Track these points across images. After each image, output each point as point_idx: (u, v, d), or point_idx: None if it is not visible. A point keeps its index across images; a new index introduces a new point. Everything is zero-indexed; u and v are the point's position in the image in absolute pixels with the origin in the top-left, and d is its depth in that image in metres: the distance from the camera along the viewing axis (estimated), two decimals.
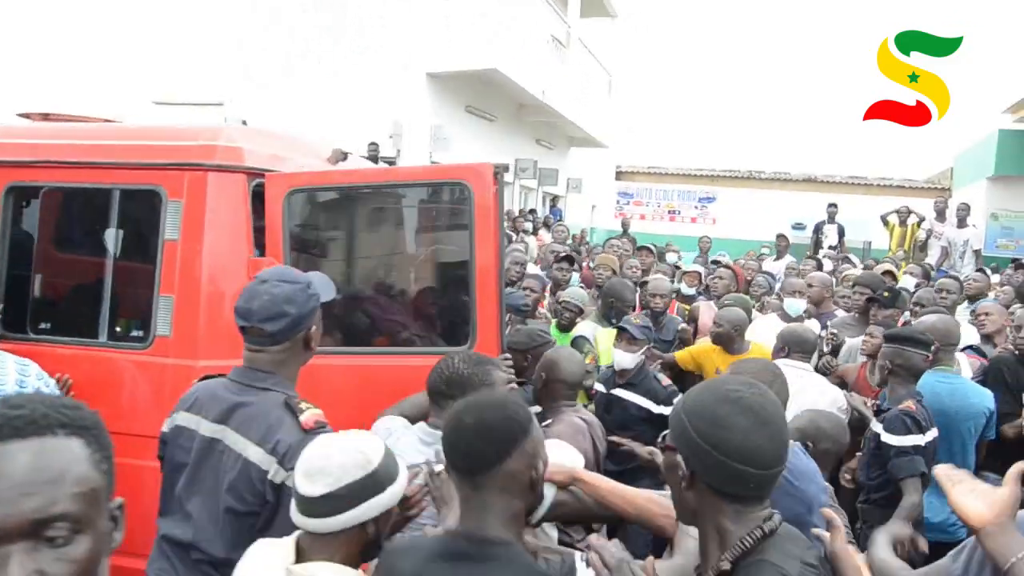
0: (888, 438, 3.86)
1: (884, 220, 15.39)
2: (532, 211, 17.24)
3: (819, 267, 9.29)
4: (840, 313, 6.41)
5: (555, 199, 22.52)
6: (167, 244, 3.37)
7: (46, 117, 4.37)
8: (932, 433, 3.90)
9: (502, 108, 17.03)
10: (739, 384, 1.70)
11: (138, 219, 3.52)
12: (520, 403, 1.88)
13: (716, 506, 1.65)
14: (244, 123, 4.53)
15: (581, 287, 6.84)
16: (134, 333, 3.47)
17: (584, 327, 5.60)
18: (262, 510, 2.25)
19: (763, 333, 5.54)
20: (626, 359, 4.61)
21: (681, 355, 5.78)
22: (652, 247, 10.37)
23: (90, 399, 3.49)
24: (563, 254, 8.06)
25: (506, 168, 3.48)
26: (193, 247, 3.35)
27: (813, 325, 5.75)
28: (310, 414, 2.30)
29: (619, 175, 29.22)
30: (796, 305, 6.16)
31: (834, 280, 7.78)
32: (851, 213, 18.12)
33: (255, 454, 2.25)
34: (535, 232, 14.52)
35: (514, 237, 12.63)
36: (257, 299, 2.35)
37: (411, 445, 2.84)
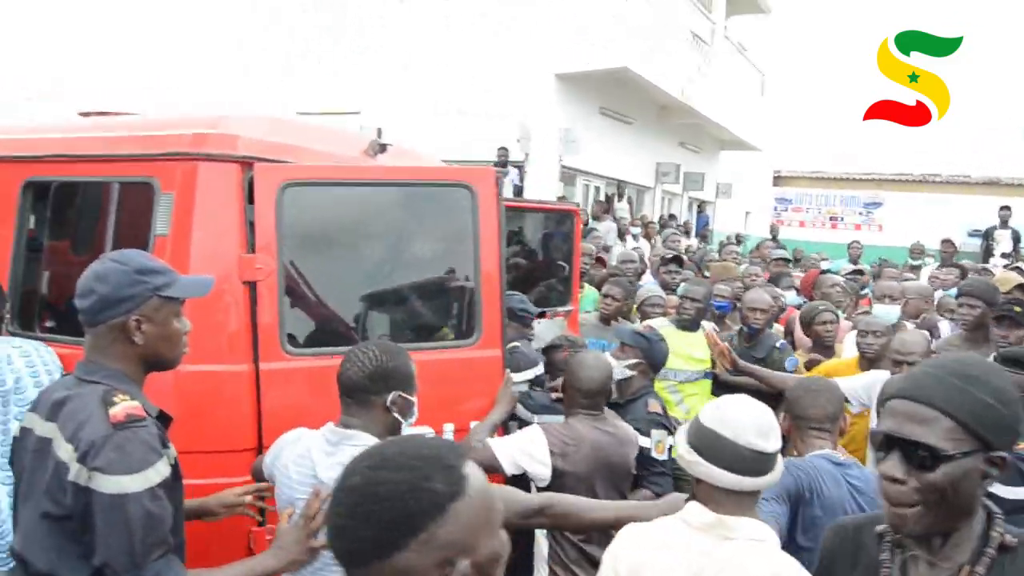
0: (1000, 489, 3.06)
1: None
2: (672, 216, 16.54)
3: (963, 275, 8.22)
4: (945, 328, 5.49)
5: (702, 205, 21.62)
6: (157, 240, 3.16)
7: (103, 116, 4.33)
8: None
9: (640, 110, 16.45)
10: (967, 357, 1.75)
11: (137, 214, 3.34)
12: (451, 464, 1.18)
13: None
14: (379, 131, 4.33)
15: None
16: None
17: (655, 323, 5.22)
18: (73, 514, 1.98)
19: (850, 346, 4.83)
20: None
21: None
22: (788, 256, 9.62)
23: None
24: (671, 256, 7.56)
25: (506, 173, 3.68)
26: (181, 243, 3.12)
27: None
28: (122, 407, 2.00)
29: (777, 180, 27.87)
30: (887, 312, 5.33)
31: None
32: None
33: (64, 452, 1.99)
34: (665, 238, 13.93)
35: (628, 240, 12.09)
36: (83, 274, 2.16)
37: (318, 447, 2.52)
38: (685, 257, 8.13)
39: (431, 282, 3.66)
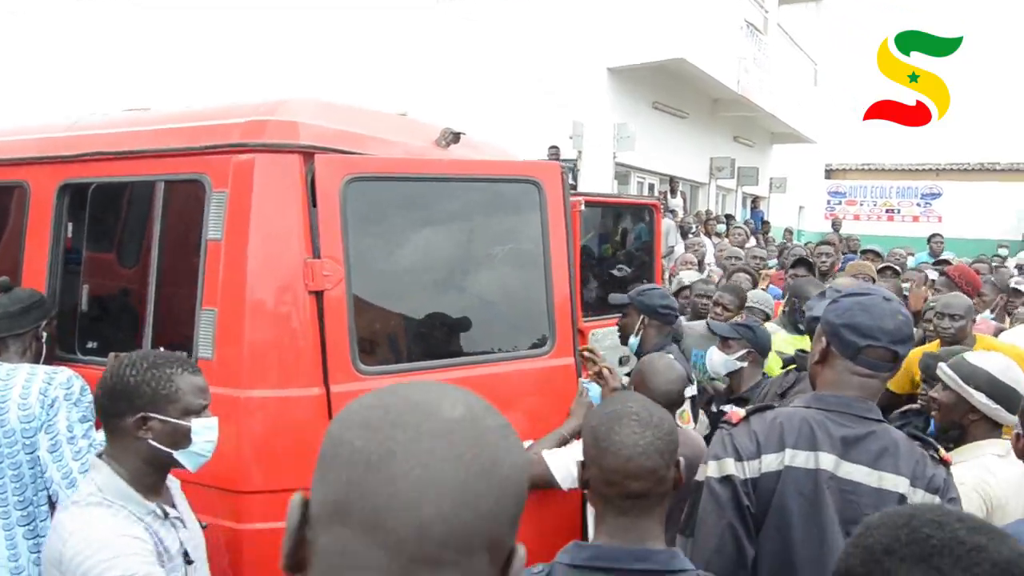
0: None
1: None
2: (729, 216, 15.90)
3: None
4: None
5: (756, 200, 20.96)
6: (210, 245, 2.74)
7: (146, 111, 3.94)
8: None
9: (694, 103, 15.89)
10: None
11: (186, 217, 2.93)
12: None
13: None
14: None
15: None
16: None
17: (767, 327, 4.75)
18: None
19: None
20: (716, 361, 4.05)
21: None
22: (879, 250, 8.76)
23: None
24: (799, 258, 6.88)
25: (572, 166, 3.21)
26: (237, 249, 2.69)
27: None
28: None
29: (829, 173, 27.09)
30: None
31: None
32: None
33: (904, 485, 2.01)
34: (728, 235, 13.35)
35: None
36: (890, 318, 2.09)
37: None
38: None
39: (503, 287, 3.31)
